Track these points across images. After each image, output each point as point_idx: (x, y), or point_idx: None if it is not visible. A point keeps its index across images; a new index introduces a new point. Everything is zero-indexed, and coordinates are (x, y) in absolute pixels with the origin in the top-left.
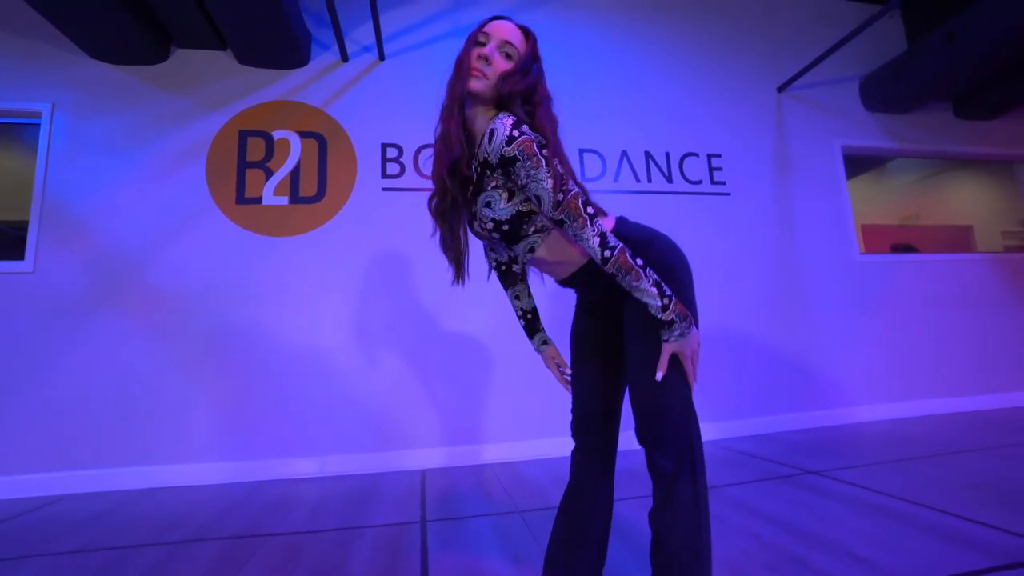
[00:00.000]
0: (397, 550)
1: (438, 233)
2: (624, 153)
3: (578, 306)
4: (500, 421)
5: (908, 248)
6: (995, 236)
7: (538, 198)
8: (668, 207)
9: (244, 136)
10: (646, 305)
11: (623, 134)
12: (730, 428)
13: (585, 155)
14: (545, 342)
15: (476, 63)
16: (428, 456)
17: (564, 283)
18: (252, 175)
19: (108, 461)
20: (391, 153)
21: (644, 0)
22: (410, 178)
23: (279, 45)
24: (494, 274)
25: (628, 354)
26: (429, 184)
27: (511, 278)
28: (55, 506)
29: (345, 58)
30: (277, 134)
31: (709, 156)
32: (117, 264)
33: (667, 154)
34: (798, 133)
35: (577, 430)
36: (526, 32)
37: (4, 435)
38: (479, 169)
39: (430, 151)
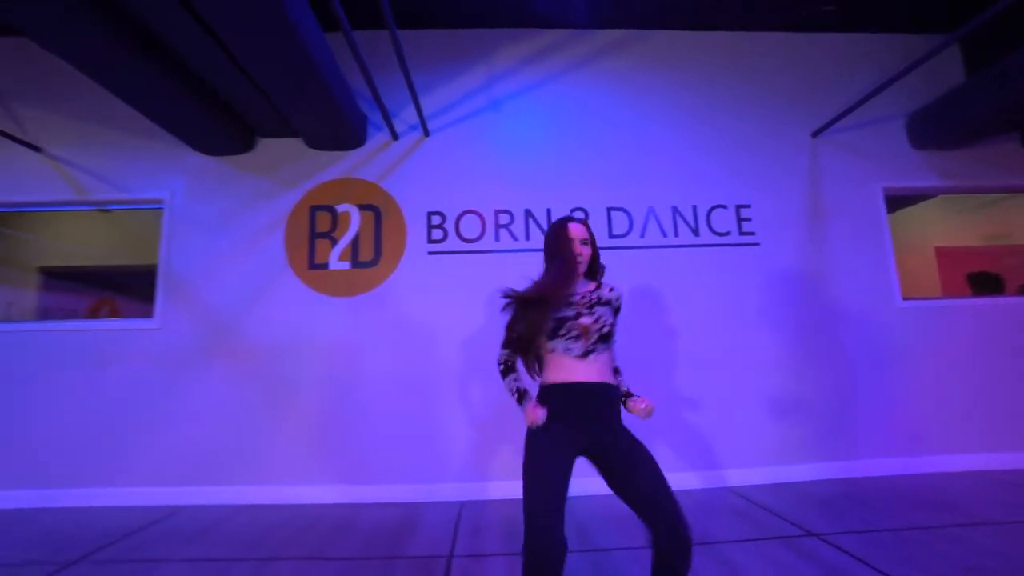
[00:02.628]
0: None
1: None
2: (651, 209)
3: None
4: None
5: (988, 278)
6: None
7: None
8: (695, 260)
9: (314, 211)
10: None
11: (649, 191)
12: (750, 475)
13: (612, 213)
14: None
15: (578, 256)
16: (467, 489)
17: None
18: (320, 244)
19: (212, 480)
20: (435, 220)
21: (667, 57)
22: (452, 242)
23: (338, 131)
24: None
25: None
26: (470, 247)
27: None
28: (175, 517)
29: (395, 136)
30: (340, 208)
31: (737, 207)
32: (217, 321)
33: (694, 207)
34: (834, 178)
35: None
36: (585, 223)
37: (141, 455)
38: (594, 300)
39: (469, 216)
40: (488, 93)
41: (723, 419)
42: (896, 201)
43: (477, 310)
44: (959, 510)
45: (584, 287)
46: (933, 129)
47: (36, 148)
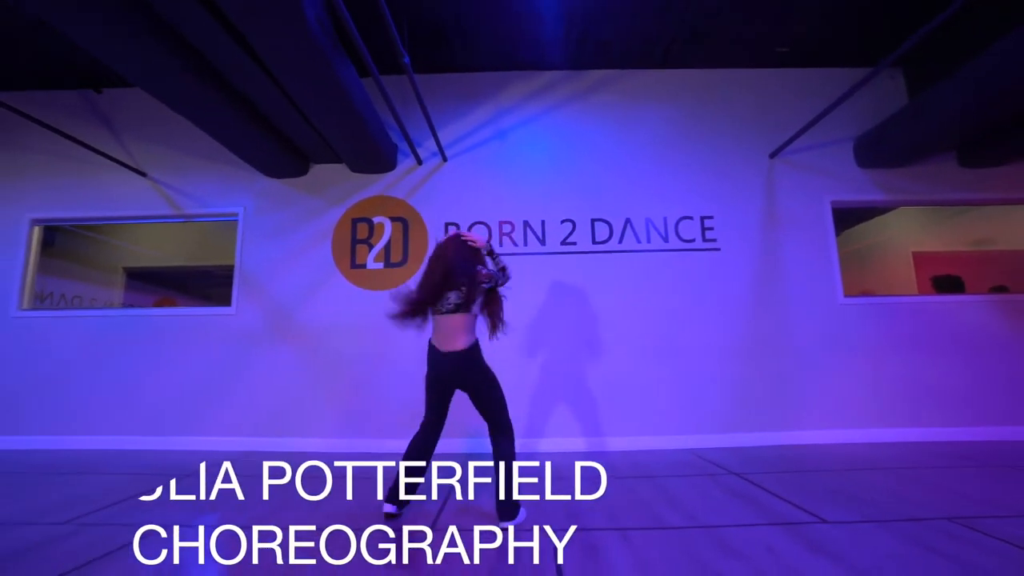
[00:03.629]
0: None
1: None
2: (628, 220)
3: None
4: (536, 421)
5: (950, 280)
6: None
7: None
8: (664, 263)
9: (355, 222)
10: None
11: (627, 204)
12: (709, 440)
13: (596, 223)
14: None
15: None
16: (474, 443)
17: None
18: (360, 248)
19: (274, 432)
20: (451, 229)
21: (644, 92)
22: None
23: (374, 158)
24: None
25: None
26: None
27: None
28: (247, 458)
29: (419, 162)
30: (376, 219)
31: (702, 218)
32: (280, 308)
33: (664, 218)
34: (788, 192)
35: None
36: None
37: (222, 412)
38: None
39: (478, 226)
40: (495, 125)
41: (686, 395)
42: (866, 212)
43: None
44: (866, 464)
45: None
46: (877, 150)
47: (142, 173)
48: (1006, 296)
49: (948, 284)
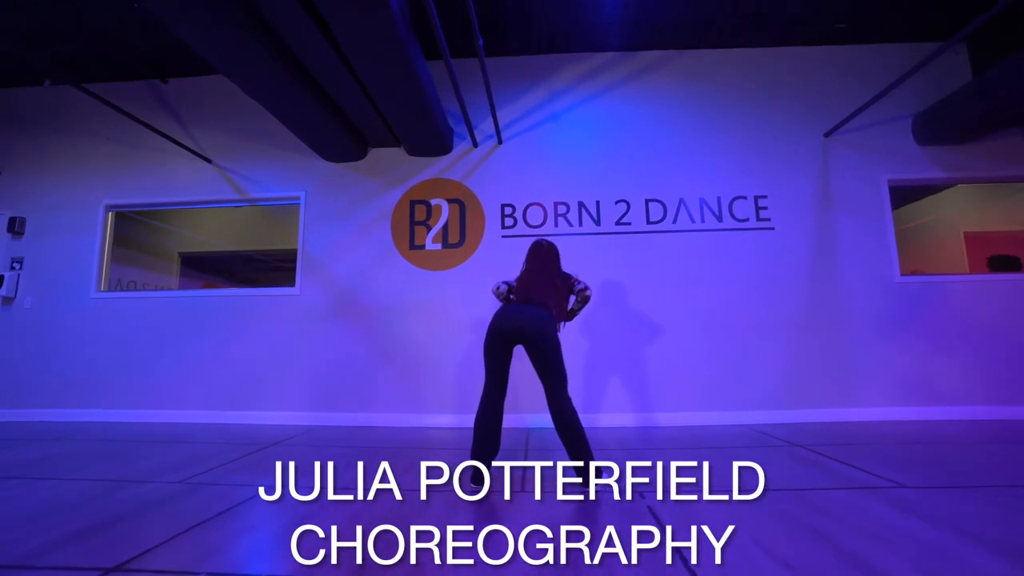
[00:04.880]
0: None
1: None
2: (681, 200)
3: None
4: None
5: (1008, 260)
6: None
7: None
8: (718, 242)
9: (413, 204)
10: None
11: (681, 185)
12: (765, 415)
13: (650, 204)
14: None
15: None
16: (529, 419)
17: None
18: (418, 230)
19: (337, 407)
20: (508, 211)
21: (698, 73)
22: (520, 228)
23: (432, 142)
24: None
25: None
26: (536, 233)
27: None
28: (313, 432)
29: (475, 144)
30: (433, 201)
31: (756, 198)
32: (341, 289)
33: (718, 198)
34: (843, 172)
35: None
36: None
37: (291, 388)
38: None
39: (534, 207)
40: (549, 108)
41: (741, 372)
42: (921, 191)
43: None
44: (932, 439)
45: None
46: (937, 127)
47: (207, 160)
48: None
49: (1005, 264)
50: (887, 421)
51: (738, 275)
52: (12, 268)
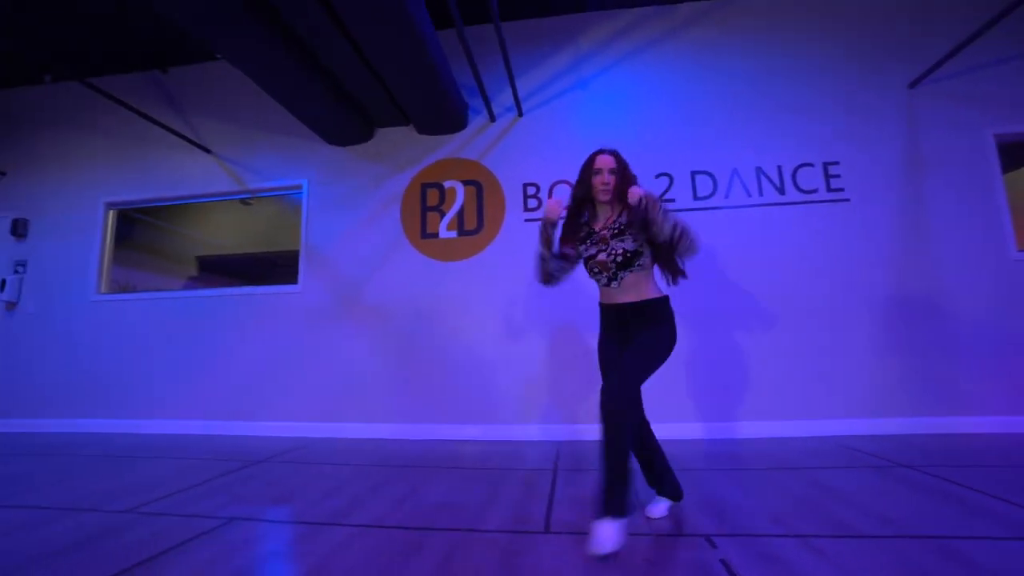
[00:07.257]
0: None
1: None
2: (734, 171)
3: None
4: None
5: None
6: None
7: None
8: (780, 218)
9: (424, 188)
10: None
11: (733, 153)
12: (847, 426)
13: (696, 176)
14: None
15: (601, 187)
16: (558, 430)
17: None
18: (431, 216)
19: (339, 418)
20: (531, 191)
21: (749, 22)
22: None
23: (444, 117)
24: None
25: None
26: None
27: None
28: (310, 446)
29: (492, 119)
30: (447, 184)
31: (825, 164)
32: (346, 285)
33: (779, 167)
34: (934, 128)
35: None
36: (615, 153)
37: (291, 396)
38: (616, 230)
39: (561, 186)
40: (575, 73)
41: (814, 373)
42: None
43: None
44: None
45: (608, 216)
46: None
47: (206, 150)
48: None
49: None
50: (1006, 434)
51: (806, 257)
52: (16, 271)
